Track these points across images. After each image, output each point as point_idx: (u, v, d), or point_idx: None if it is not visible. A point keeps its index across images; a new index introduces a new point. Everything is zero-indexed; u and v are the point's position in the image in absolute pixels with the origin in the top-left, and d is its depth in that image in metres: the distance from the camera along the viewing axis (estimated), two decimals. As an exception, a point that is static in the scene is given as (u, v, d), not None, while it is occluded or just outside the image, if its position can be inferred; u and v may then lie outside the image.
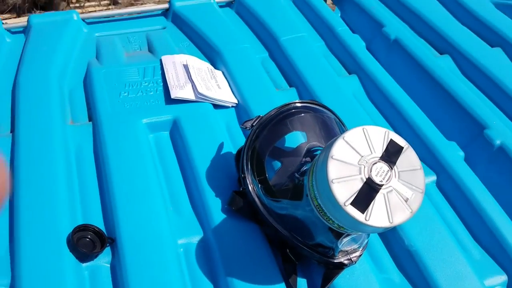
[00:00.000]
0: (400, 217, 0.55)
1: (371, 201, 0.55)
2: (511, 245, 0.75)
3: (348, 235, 0.66)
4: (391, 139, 0.58)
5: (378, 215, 0.55)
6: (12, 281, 0.69)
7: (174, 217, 0.78)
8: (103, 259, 0.72)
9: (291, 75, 1.10)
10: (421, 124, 0.94)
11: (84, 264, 0.71)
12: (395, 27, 1.19)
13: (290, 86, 1.08)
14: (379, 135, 0.59)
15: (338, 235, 0.66)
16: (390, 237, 0.77)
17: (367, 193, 0.55)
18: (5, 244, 0.74)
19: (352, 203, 0.55)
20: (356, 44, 1.17)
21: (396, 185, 0.56)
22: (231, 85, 1.04)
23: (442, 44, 1.18)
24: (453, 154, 0.88)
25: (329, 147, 0.58)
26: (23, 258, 0.70)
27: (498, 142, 0.88)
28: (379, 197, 0.55)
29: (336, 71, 1.11)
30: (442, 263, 0.72)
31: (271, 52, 1.17)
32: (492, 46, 1.17)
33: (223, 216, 0.77)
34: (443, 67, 1.07)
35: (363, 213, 0.55)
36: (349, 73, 1.13)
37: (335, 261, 0.69)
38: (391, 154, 0.58)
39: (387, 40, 1.17)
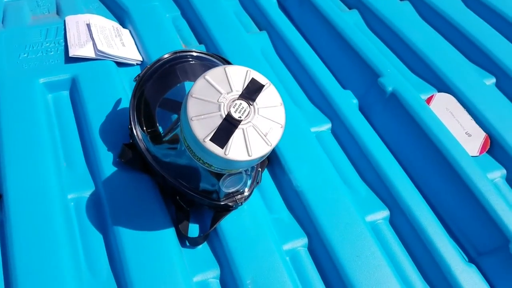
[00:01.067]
0: (259, 150, 0.57)
1: (230, 136, 0.56)
2: (393, 182, 0.79)
3: (228, 176, 0.67)
4: (252, 78, 0.60)
5: (237, 149, 0.56)
6: None
7: (66, 172, 0.78)
8: (-11, 215, 0.72)
9: (201, 32, 1.09)
10: (320, 75, 0.96)
11: (-31, 221, 0.70)
12: (306, -17, 1.20)
13: (200, 43, 1.08)
14: (241, 74, 0.60)
15: (218, 177, 0.67)
16: (281, 179, 0.80)
17: (226, 128, 0.57)
18: None
19: (212, 139, 0.56)
20: (268, 1, 1.17)
21: (255, 121, 0.58)
22: (138, 43, 1.03)
23: (351, -1, 1.20)
24: (347, 102, 0.91)
25: (192, 87, 0.59)
26: None
27: (390, 88, 0.92)
28: (238, 132, 0.57)
29: (246, 28, 1.12)
30: (324, 201, 0.75)
31: (183, 10, 1.16)
32: (400, 0, 1.20)
33: (115, 169, 0.77)
34: (348, 21, 1.09)
35: (222, 148, 0.56)
36: (260, 29, 1.13)
37: (221, 203, 0.71)
38: (251, 92, 0.59)
39: (299, -4, 1.18)
